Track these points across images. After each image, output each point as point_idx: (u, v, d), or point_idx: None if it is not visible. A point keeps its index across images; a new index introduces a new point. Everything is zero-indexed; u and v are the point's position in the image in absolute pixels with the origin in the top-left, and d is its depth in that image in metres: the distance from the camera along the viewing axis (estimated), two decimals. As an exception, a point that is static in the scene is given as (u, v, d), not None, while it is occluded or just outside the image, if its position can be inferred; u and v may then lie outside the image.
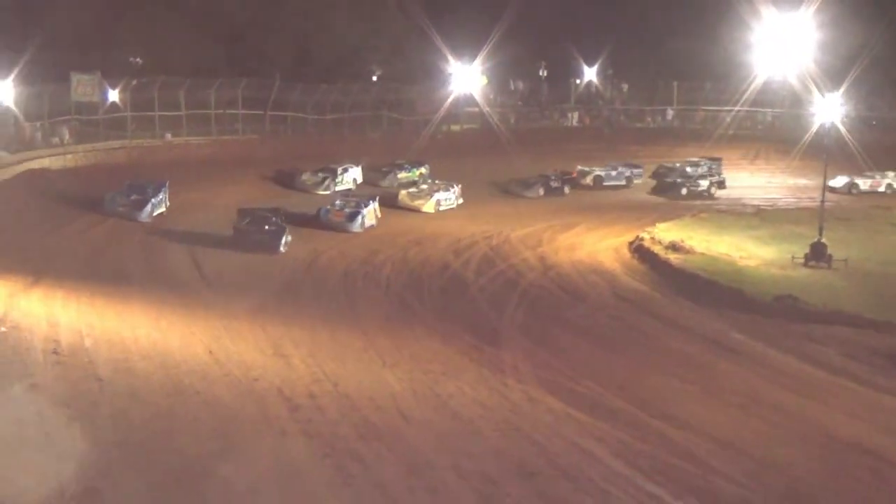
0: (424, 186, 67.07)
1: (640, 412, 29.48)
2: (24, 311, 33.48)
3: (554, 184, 72.35)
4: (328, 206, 58.58)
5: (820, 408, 31.46)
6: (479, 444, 26.39)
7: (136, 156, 66.71)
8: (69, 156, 64.42)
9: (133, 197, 55.22)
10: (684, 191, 71.59)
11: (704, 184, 72.09)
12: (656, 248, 52.28)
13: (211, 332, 34.15)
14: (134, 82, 73.92)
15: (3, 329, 31.12)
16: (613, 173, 76.61)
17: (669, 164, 75.32)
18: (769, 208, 65.36)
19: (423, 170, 72.05)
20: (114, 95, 72.69)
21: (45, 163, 61.36)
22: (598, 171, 76.20)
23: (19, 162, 58.97)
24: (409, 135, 78.97)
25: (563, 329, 38.95)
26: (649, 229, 55.61)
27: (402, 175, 70.73)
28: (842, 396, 32.57)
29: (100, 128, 70.70)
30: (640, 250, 52.67)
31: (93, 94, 71.44)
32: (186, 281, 41.37)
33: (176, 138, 72.59)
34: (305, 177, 67.78)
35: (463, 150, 76.28)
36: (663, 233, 55.15)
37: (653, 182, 76.15)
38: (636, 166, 78.31)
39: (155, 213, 55.64)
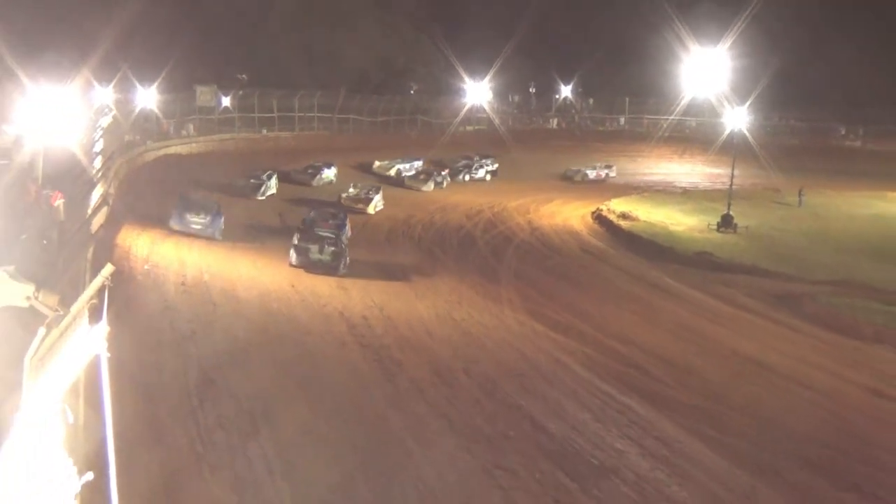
0: (422, 175, 64.19)
1: (599, 334, 29.63)
2: (162, 255, 33.61)
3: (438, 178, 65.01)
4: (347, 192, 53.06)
5: (727, 332, 31.54)
6: (482, 354, 26.72)
7: (240, 145, 66.70)
8: (193, 144, 64.75)
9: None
10: (467, 177, 67.98)
11: (482, 172, 69.53)
12: (611, 217, 52.35)
13: (292, 271, 34.30)
14: (240, 92, 75.10)
15: (147, 267, 31.32)
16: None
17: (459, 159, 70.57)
18: (692, 189, 65.16)
19: (418, 163, 67.90)
20: (225, 101, 74.09)
21: (177, 149, 61.61)
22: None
23: (159, 148, 59.32)
24: (436, 133, 78.73)
25: (544, 273, 39.07)
26: (606, 203, 55.54)
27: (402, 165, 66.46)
28: (743, 324, 32.64)
29: (215, 125, 71.15)
30: (599, 218, 52.72)
31: (210, 101, 73.12)
32: (276, 233, 41.20)
33: (269, 133, 72.84)
34: (377, 165, 66.44)
35: (474, 145, 76.01)
36: (616, 206, 55.16)
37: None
38: (486, 157, 72.59)
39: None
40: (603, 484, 18.53)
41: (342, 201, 50.60)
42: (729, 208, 52.16)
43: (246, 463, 17.51)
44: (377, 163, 66.16)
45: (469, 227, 47.78)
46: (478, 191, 58.35)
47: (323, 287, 32.44)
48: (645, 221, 51.53)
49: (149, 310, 26.31)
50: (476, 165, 69.14)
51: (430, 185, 62.11)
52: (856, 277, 39.66)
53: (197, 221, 38.60)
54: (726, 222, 51.04)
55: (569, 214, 53.47)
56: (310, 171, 59.39)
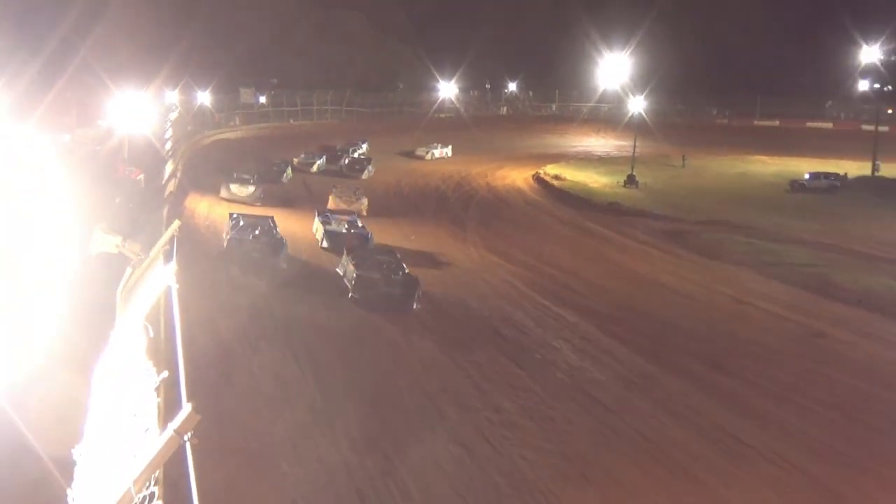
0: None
1: (539, 263, 29.69)
2: (218, 213, 33.17)
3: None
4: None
5: (630, 259, 31.69)
6: (453, 280, 26.73)
7: (274, 132, 65.87)
8: (238, 132, 64.27)
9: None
10: (346, 160, 52.84)
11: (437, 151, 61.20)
12: (546, 178, 52.04)
13: (311, 220, 33.62)
14: (272, 92, 74.93)
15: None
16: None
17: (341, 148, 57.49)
18: (606, 157, 64.87)
19: (364, 147, 59.68)
20: (262, 99, 74.06)
21: (227, 136, 61.19)
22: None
23: (214, 135, 59.11)
24: (417, 119, 78.03)
25: (498, 220, 38.87)
26: (542, 168, 55.24)
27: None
28: (642, 253, 32.77)
29: (255, 116, 70.83)
30: (538, 179, 52.34)
31: (250, 99, 73.13)
32: (304, 198, 40.51)
33: (294, 122, 72.21)
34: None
35: (445, 127, 75.48)
36: (550, 170, 54.75)
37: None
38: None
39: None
40: (545, 371, 18.79)
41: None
42: (632, 170, 51.90)
43: (284, 363, 17.69)
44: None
45: (443, 188, 47.63)
46: (448, 162, 57.82)
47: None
48: (571, 181, 51.33)
49: (209, 254, 26.22)
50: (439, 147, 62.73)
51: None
52: (723, 218, 39.89)
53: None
54: (630, 181, 50.90)
55: (515, 177, 53.19)
56: (350, 146, 57.79)
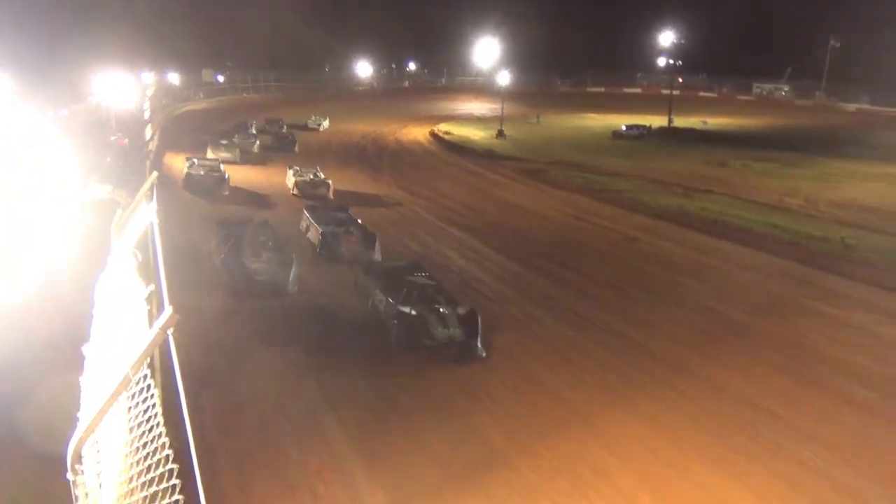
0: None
1: (436, 196, 29.58)
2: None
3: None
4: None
5: (501, 191, 31.85)
6: (376, 209, 26.29)
7: (231, 104, 62.55)
8: (203, 104, 60.79)
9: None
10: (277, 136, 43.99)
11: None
12: (439, 133, 51.48)
13: (274, 170, 32.73)
14: (228, 73, 71.58)
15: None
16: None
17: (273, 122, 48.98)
18: (482, 117, 64.41)
19: (253, 129, 43.64)
20: (220, 77, 70.07)
21: (194, 107, 57.85)
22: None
23: (183, 107, 55.74)
24: (342, 92, 75.70)
25: (404, 165, 38.41)
26: (437, 126, 54.59)
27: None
28: (509, 186, 33.03)
29: (215, 91, 67.37)
30: (433, 135, 51.74)
31: (211, 78, 69.04)
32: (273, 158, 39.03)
33: (246, 95, 68.78)
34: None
35: (361, 98, 73.48)
36: (442, 127, 54.17)
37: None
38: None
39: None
40: (442, 272, 18.78)
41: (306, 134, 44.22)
42: (501, 126, 51.82)
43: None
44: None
45: (363, 142, 46.64)
46: (366, 123, 56.39)
47: (282, 174, 31.03)
48: (457, 135, 50.92)
49: (184, 197, 25.06)
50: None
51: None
52: (566, 159, 40.49)
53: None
54: (500, 134, 50.78)
55: (417, 134, 52.49)
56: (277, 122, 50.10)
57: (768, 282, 19.34)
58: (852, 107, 73.16)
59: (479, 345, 13.20)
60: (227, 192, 26.10)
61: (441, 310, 13.60)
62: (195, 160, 28.39)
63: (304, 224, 21.07)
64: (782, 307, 17.16)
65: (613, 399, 11.95)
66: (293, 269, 16.13)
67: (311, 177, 28.32)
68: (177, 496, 2.79)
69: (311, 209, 21.54)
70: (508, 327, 14.92)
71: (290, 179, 28.46)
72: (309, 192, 26.90)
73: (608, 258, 21.33)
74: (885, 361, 14.04)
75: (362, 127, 53.45)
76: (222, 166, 28.40)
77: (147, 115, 42.23)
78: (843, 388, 12.80)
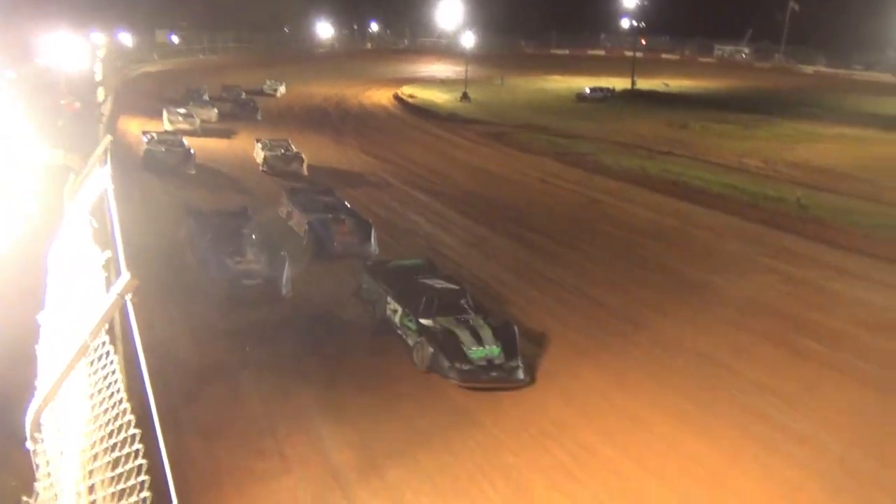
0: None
1: (400, 160, 29.30)
2: (147, 129, 30.72)
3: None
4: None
5: (467, 154, 31.74)
6: (338, 176, 25.95)
7: (187, 65, 60.72)
8: (158, 65, 58.69)
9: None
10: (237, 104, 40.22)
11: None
12: (403, 96, 50.79)
13: (235, 140, 31.97)
14: (182, 34, 69.30)
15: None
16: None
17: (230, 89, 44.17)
18: (446, 80, 63.58)
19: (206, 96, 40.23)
20: (175, 39, 67.64)
21: (148, 69, 55.78)
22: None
23: (135, 69, 53.63)
24: (302, 53, 73.93)
25: (367, 129, 37.84)
26: (400, 89, 53.83)
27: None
28: (475, 150, 32.91)
29: (170, 53, 64.99)
30: (397, 98, 51.04)
31: (165, 39, 66.71)
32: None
33: (203, 57, 66.70)
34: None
35: (322, 59, 71.88)
36: (405, 90, 53.46)
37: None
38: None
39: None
40: (408, 238, 18.87)
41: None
42: (466, 88, 51.32)
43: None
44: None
45: (326, 106, 45.81)
46: (328, 85, 55.25)
47: (247, 146, 30.45)
48: (421, 98, 50.34)
49: (136, 159, 24.38)
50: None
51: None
52: (531, 122, 40.47)
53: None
54: (465, 97, 50.27)
55: (380, 97, 51.72)
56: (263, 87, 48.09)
57: (725, 241, 19.83)
58: (810, 69, 74.40)
59: (520, 364, 10.87)
60: (193, 171, 23.12)
61: (472, 322, 11.42)
62: (154, 134, 25.70)
63: (283, 210, 18.26)
64: (738, 265, 17.66)
65: (577, 356, 12.22)
66: (286, 269, 13.52)
67: (283, 151, 25.54)
68: (140, 460, 2.79)
69: (292, 193, 18.71)
70: (475, 290, 15.02)
71: (258, 154, 25.51)
72: (280, 168, 24.22)
73: (572, 220, 21.52)
74: (835, 316, 14.60)
75: (324, 90, 52.40)
76: (185, 140, 25.64)
77: (98, 77, 40.72)
78: (796, 341, 13.30)
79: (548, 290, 15.45)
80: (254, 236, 14.61)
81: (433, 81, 62.09)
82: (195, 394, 9.91)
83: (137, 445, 2.78)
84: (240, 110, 38.06)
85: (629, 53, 67.99)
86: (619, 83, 56.80)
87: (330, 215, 16.84)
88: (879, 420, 10.69)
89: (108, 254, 4.27)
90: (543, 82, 63.80)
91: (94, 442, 3.08)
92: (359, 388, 10.59)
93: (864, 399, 11.32)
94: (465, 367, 10.61)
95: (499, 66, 66.59)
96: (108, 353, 3.28)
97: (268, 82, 49.26)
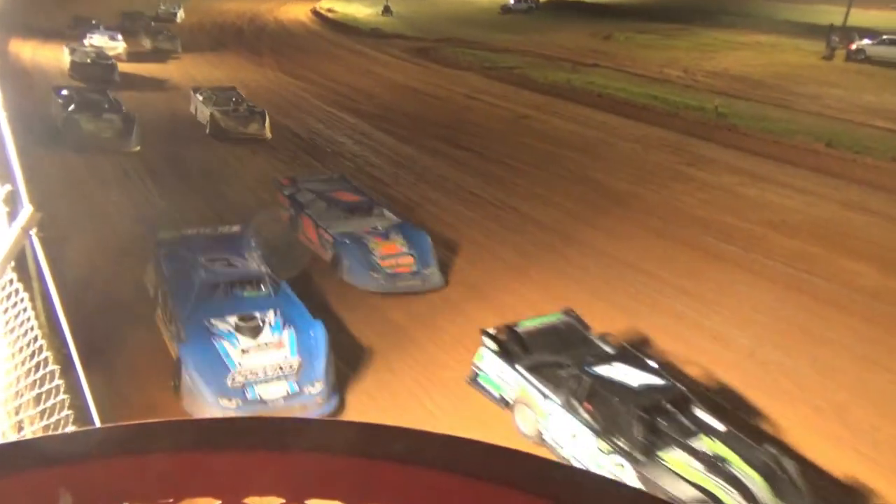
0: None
1: (322, 79, 28.35)
2: (43, 55, 28.32)
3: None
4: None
5: (390, 72, 30.96)
6: (258, 97, 24.71)
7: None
8: None
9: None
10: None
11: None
12: (322, 11, 48.62)
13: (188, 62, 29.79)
14: None
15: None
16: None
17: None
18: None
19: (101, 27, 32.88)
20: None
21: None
22: None
23: None
24: None
25: (287, 47, 36.06)
26: (318, 3, 51.35)
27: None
28: (399, 67, 32.14)
29: None
30: (316, 13, 48.81)
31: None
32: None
33: None
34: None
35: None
36: (324, 4, 51.14)
37: None
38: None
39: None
40: (335, 160, 18.49)
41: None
42: (387, 1, 49.38)
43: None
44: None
45: (239, 23, 43.21)
46: (236, 1, 51.80)
47: (171, 68, 28.58)
48: (342, 13, 48.29)
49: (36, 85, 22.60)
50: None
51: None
52: (455, 36, 39.65)
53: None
54: (386, 10, 48.58)
55: (298, 12, 49.16)
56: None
57: (647, 152, 20.37)
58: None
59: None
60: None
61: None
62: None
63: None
64: (659, 175, 18.25)
65: (507, 270, 12.52)
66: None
67: (234, 106, 19.74)
68: (66, 411, 2.78)
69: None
70: (406, 209, 15.00)
71: (201, 111, 20.10)
72: (235, 131, 19.04)
73: (500, 136, 21.53)
74: (748, 219, 15.43)
75: (234, 5, 49.33)
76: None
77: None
78: (711, 245, 14.05)
79: (477, 207, 15.59)
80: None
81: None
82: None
83: (63, 396, 2.80)
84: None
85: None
86: (544, -6, 55.85)
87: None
88: (786, 315, 11.55)
89: (9, 187, 3.99)
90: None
91: (12, 381, 3.01)
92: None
93: (772, 295, 12.16)
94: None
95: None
96: (17, 291, 3.13)
97: (163, 6, 42.48)
